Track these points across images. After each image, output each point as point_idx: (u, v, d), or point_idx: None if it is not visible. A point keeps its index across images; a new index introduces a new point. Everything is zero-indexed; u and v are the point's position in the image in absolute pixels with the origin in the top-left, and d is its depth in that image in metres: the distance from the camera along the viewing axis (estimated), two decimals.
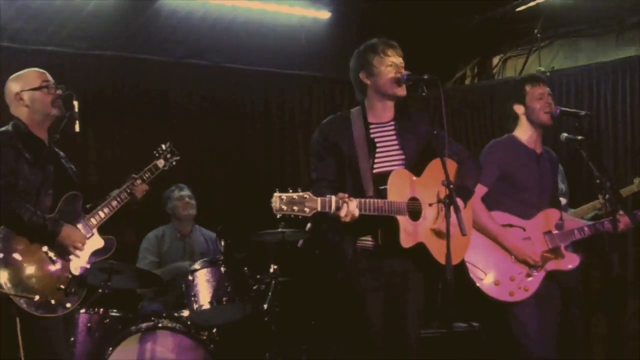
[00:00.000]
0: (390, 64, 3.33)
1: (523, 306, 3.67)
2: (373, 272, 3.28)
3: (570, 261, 3.81)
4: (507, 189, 3.81)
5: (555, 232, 3.81)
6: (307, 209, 2.86)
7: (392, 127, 3.40)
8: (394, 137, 3.38)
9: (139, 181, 3.76)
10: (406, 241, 3.16)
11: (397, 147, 3.36)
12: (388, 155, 3.34)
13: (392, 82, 3.32)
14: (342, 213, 2.96)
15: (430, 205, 3.26)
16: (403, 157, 3.34)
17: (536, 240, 3.77)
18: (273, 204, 2.84)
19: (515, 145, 3.87)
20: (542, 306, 3.73)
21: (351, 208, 2.98)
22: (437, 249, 3.23)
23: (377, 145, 3.34)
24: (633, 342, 5.28)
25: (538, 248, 3.76)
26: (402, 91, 3.34)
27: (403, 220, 3.15)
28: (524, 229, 3.77)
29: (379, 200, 3.10)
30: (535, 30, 6.04)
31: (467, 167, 3.44)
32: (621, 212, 3.76)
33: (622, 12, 5.78)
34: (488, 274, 3.69)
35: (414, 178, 3.27)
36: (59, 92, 3.54)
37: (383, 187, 3.16)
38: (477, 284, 3.67)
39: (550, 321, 3.80)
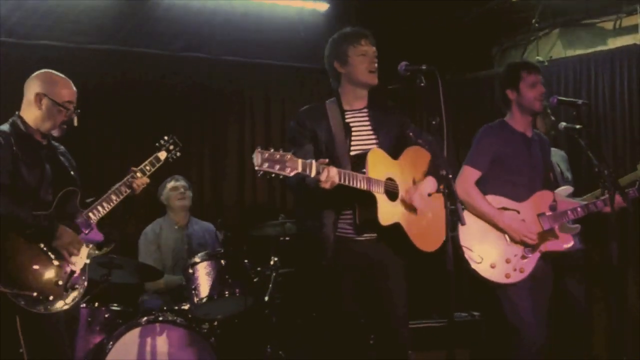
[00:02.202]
0: (363, 53, 3.39)
1: (518, 289, 3.70)
2: (352, 264, 3.31)
3: (564, 241, 3.84)
4: (500, 172, 3.84)
5: (548, 213, 3.84)
6: (288, 169, 2.88)
7: (366, 114, 3.47)
8: (367, 123, 3.45)
9: (139, 174, 3.66)
10: (384, 219, 3.20)
11: (371, 132, 3.43)
12: (363, 139, 3.40)
13: (365, 71, 3.37)
14: (323, 177, 2.99)
15: (429, 195, 3.27)
16: (377, 142, 3.40)
17: (530, 222, 3.80)
18: (254, 160, 2.84)
19: (506, 130, 3.91)
20: (536, 288, 3.77)
21: (332, 174, 3.01)
22: (413, 231, 3.28)
23: (353, 129, 3.40)
24: (633, 335, 5.26)
25: (532, 230, 3.78)
26: (373, 80, 3.40)
27: (381, 198, 3.20)
28: (518, 212, 3.81)
29: (358, 174, 3.14)
30: (533, 20, 6.02)
31: (440, 160, 3.44)
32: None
33: (620, 0, 5.76)
34: (484, 257, 3.71)
35: (391, 160, 3.32)
36: (73, 116, 3.49)
37: (362, 170, 3.18)
38: (473, 267, 3.70)
39: (543, 303, 3.83)
